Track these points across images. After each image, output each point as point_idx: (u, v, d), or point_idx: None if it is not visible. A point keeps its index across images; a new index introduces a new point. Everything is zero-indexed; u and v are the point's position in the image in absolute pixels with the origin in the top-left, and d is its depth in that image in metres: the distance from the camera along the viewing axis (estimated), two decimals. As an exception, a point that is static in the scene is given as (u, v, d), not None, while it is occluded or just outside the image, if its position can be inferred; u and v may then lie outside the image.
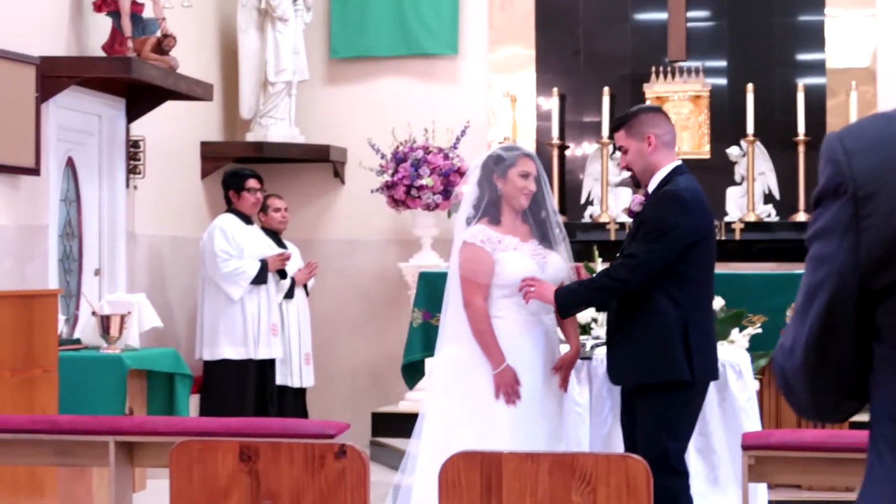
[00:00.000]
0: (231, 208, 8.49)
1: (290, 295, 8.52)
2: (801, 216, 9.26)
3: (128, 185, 8.44)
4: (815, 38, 9.55)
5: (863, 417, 1.89)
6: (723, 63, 9.72)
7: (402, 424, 7.58)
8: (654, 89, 9.57)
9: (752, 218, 9.28)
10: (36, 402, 6.52)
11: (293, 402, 8.57)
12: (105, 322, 7.41)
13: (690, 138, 9.56)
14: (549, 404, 5.29)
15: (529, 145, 9.38)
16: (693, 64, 9.62)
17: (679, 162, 5.25)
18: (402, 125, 9.65)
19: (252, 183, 8.46)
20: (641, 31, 9.82)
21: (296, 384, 8.55)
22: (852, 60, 9.46)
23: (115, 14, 7.89)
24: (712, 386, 5.47)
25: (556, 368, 5.32)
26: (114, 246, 8.38)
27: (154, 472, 7.30)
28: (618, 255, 5.27)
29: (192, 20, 9.09)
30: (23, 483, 6.40)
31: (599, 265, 6.80)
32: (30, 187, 7.39)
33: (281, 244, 8.65)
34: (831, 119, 9.37)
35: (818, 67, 9.54)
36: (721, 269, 5.95)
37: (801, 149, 9.27)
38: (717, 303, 6.56)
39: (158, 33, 8.02)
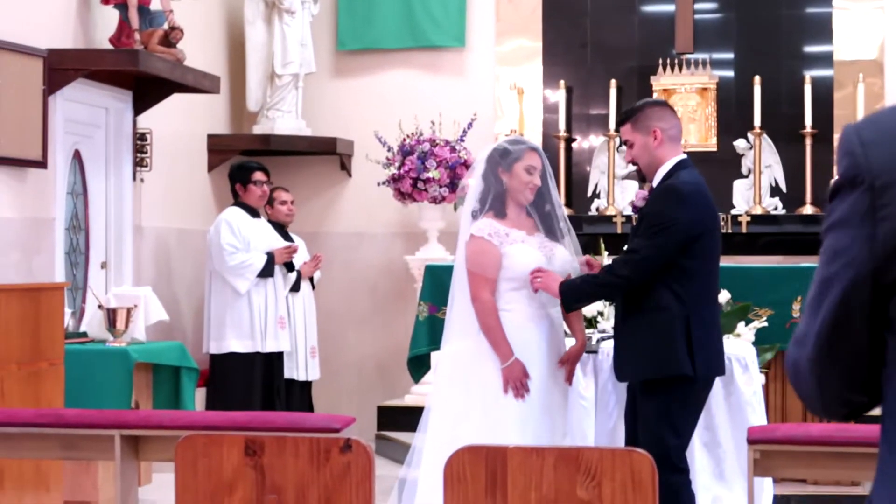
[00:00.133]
0: (238, 201, 8.49)
1: (295, 288, 8.52)
2: (808, 209, 9.24)
3: (134, 178, 8.44)
4: (822, 30, 9.53)
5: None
6: (730, 55, 9.71)
7: (408, 418, 7.57)
8: (662, 81, 9.57)
9: (758, 211, 9.26)
10: (42, 395, 6.52)
11: (299, 395, 8.57)
12: (111, 315, 7.41)
13: (697, 131, 9.55)
14: (555, 398, 5.28)
15: (536, 138, 9.39)
16: (700, 56, 9.61)
17: (684, 156, 5.22)
18: (408, 118, 9.64)
19: (259, 176, 8.46)
20: (649, 24, 9.81)
21: (301, 377, 8.55)
22: (860, 52, 9.44)
23: (123, 6, 7.89)
24: (718, 380, 5.46)
25: (561, 362, 5.30)
26: (120, 239, 8.38)
27: (160, 465, 7.31)
28: (624, 249, 5.27)
29: (200, 12, 9.09)
30: (29, 477, 6.41)
31: (605, 258, 6.79)
32: (36, 180, 7.39)
33: (287, 237, 8.64)
34: (839, 111, 9.36)
35: (826, 59, 9.52)
36: (727, 262, 5.94)
37: (808, 141, 9.25)
38: (723, 296, 6.55)
39: (165, 26, 8.02)
